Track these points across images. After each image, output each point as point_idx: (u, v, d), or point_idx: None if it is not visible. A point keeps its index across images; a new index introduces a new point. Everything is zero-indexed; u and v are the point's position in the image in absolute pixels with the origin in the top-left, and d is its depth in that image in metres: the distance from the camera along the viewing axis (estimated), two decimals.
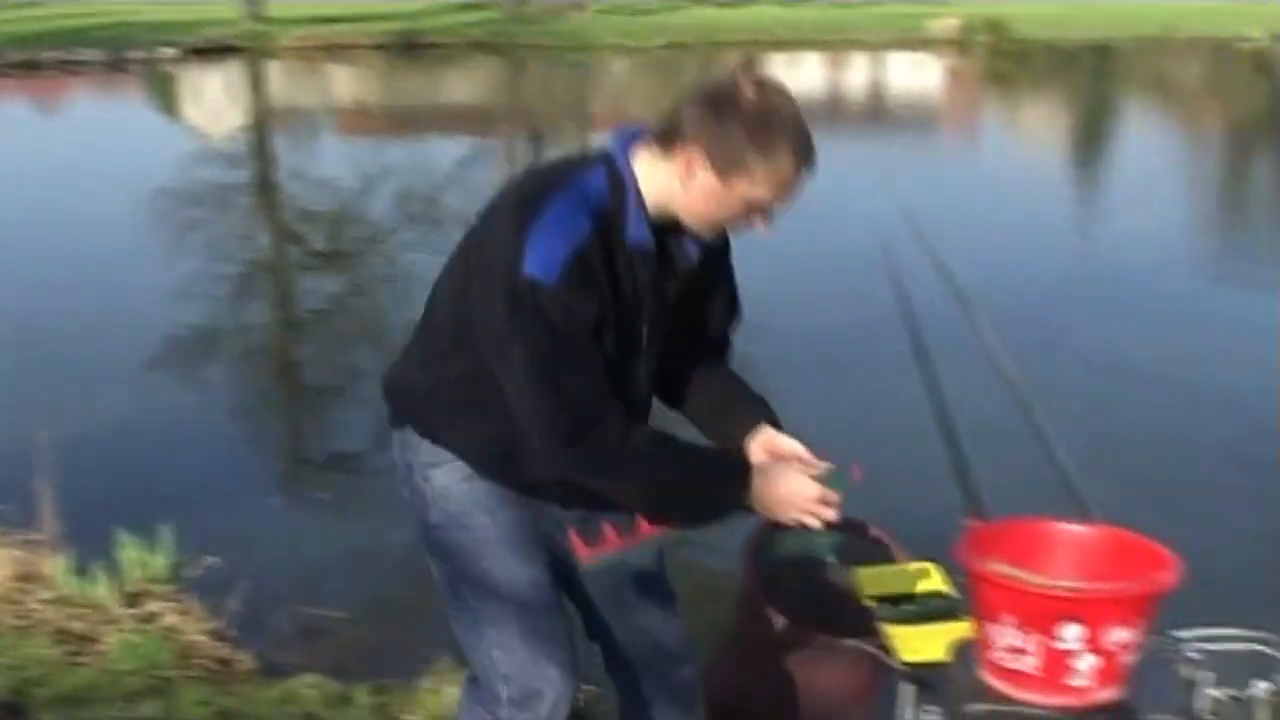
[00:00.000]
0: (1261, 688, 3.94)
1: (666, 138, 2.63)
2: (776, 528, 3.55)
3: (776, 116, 2.58)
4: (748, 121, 2.56)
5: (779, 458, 2.86)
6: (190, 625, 4.86)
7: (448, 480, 2.94)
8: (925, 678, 3.20)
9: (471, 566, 2.95)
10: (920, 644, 3.28)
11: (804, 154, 2.61)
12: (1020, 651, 2.89)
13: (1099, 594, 2.90)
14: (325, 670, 4.69)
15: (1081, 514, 3.23)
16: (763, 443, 2.92)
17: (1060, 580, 2.98)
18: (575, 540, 2.93)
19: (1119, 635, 2.86)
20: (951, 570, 3.31)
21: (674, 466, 2.71)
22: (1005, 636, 2.90)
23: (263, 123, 25.92)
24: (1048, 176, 19.37)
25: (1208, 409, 8.40)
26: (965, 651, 3.11)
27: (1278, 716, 4.04)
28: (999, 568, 2.95)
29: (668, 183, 2.64)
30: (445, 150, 20.27)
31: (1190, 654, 3.25)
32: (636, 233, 2.66)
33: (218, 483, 7.02)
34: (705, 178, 2.61)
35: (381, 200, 15.93)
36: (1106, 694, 2.92)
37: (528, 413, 2.66)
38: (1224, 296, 11.75)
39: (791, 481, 2.75)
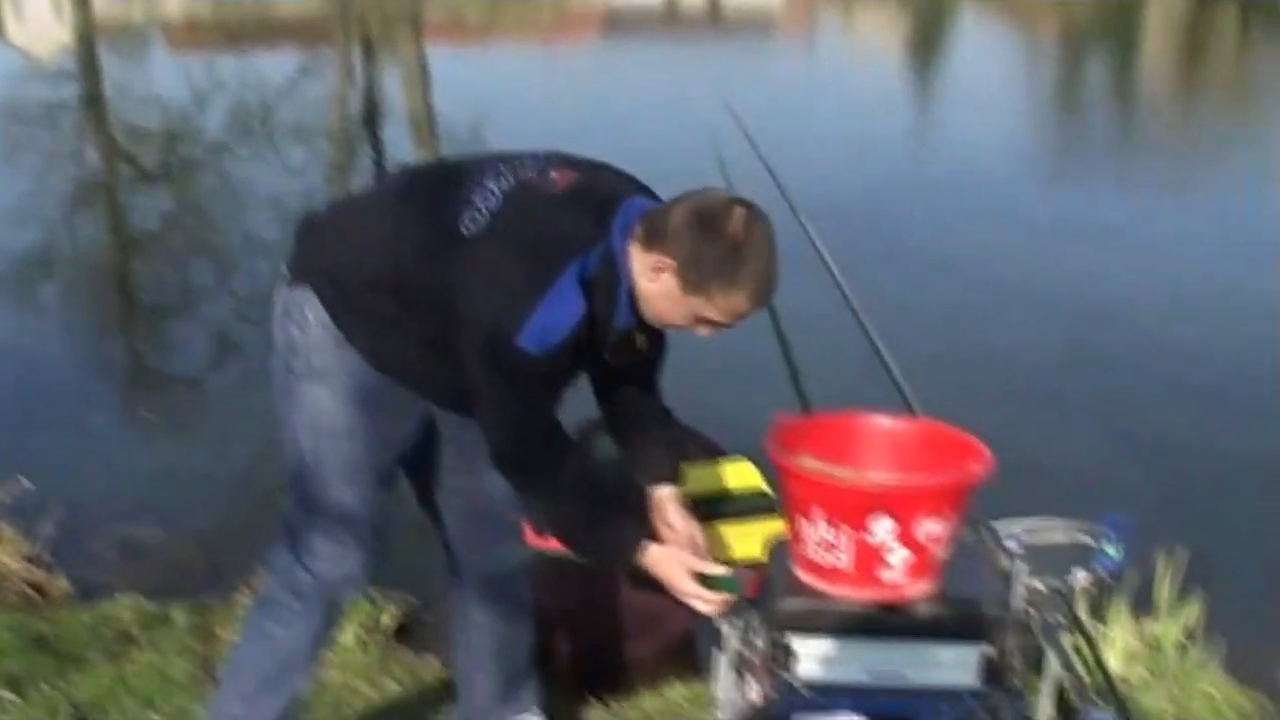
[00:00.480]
0: (1080, 577, 3.98)
1: (651, 235, 2.73)
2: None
3: (752, 255, 2.69)
4: (723, 251, 2.67)
5: (672, 533, 3.05)
6: (1, 551, 4.68)
7: (324, 337, 2.93)
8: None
9: (318, 421, 2.96)
10: (738, 543, 3.28)
11: (761, 296, 2.73)
12: (832, 547, 2.87)
13: (908, 487, 2.89)
14: (145, 591, 4.60)
15: (907, 412, 3.19)
16: (659, 508, 3.10)
17: (870, 474, 2.98)
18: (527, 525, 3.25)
19: (931, 528, 2.84)
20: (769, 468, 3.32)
21: (583, 520, 2.93)
22: (816, 532, 2.88)
23: (90, 39, 25.20)
24: (885, 84, 19.45)
25: (1042, 310, 8.46)
26: (780, 549, 3.08)
27: (1096, 606, 4.12)
28: (807, 462, 2.93)
29: (639, 272, 2.76)
30: (278, 64, 19.85)
31: (1009, 545, 3.24)
32: (623, 318, 2.81)
33: (41, 406, 6.84)
34: (669, 284, 2.73)
35: (214, 116, 15.57)
36: (920, 587, 2.92)
37: (486, 426, 2.86)
38: (1061, 198, 11.89)
39: (674, 575, 2.92)
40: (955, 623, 2.90)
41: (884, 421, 3.14)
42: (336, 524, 3.04)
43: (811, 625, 2.90)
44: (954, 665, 2.91)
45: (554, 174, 2.83)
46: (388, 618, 4.30)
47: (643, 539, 2.96)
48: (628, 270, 2.80)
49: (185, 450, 6.14)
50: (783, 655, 2.91)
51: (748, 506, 3.56)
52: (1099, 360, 7.53)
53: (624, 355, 2.95)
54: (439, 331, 2.81)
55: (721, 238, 2.68)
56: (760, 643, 2.97)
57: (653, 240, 2.75)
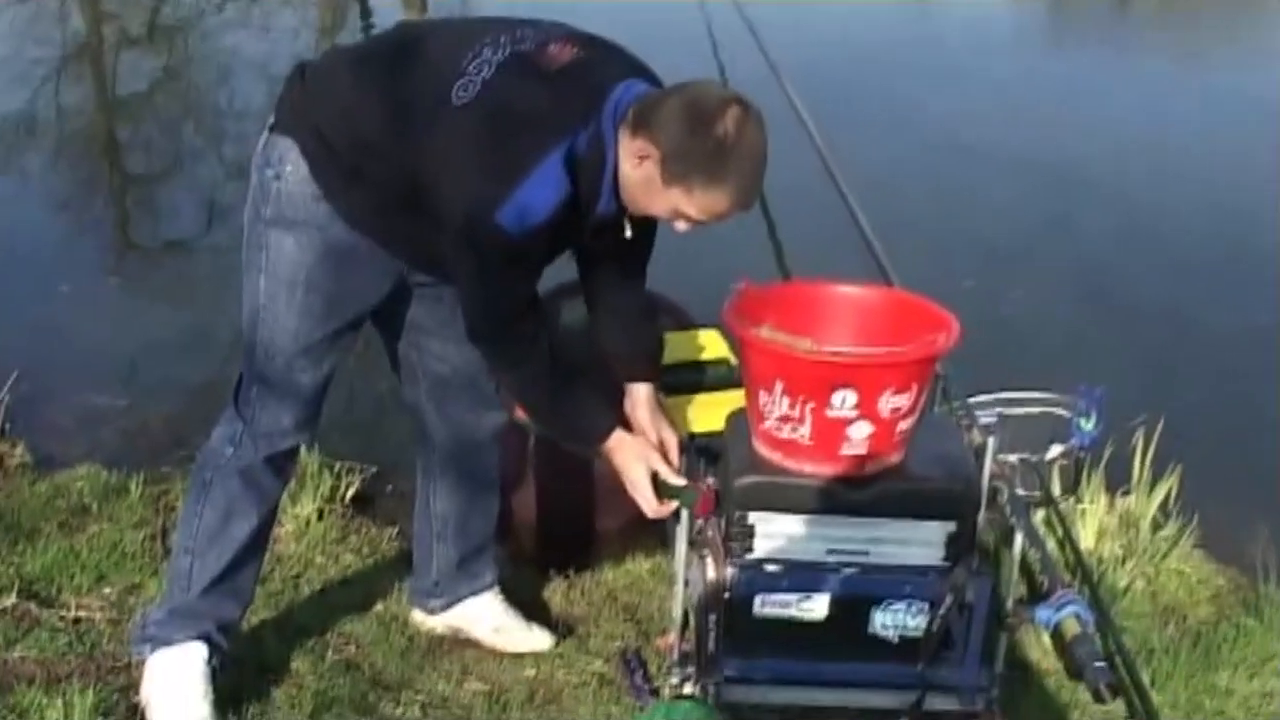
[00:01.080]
0: (1054, 451, 3.92)
1: (639, 122, 2.67)
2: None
3: (738, 155, 2.64)
4: (709, 148, 2.63)
5: (640, 433, 3.09)
6: None
7: (300, 189, 2.89)
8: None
9: (278, 269, 2.92)
10: (699, 416, 3.25)
11: (743, 200, 2.69)
12: (792, 420, 2.83)
13: (869, 358, 2.84)
14: (104, 461, 4.51)
15: (882, 280, 3.10)
16: (632, 406, 3.16)
17: (830, 345, 2.92)
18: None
19: (895, 401, 2.80)
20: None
21: (548, 400, 2.97)
22: (776, 406, 2.84)
23: None
24: None
25: (1027, 178, 8.37)
26: (738, 422, 3.04)
27: (1069, 481, 4.05)
28: (766, 333, 2.87)
29: (624, 157, 2.72)
30: None
31: (980, 419, 3.21)
32: (606, 206, 2.76)
33: (10, 273, 6.66)
34: (650, 172, 2.68)
35: None
36: (883, 462, 2.88)
37: (463, 295, 2.87)
38: (1055, 65, 11.85)
39: (632, 468, 2.98)
40: (920, 499, 2.88)
41: (848, 290, 3.09)
42: (277, 375, 3.01)
43: (771, 502, 2.88)
44: (919, 543, 2.89)
45: (553, 48, 2.77)
46: (348, 487, 4.19)
47: (610, 424, 2.98)
48: (614, 155, 2.75)
49: (157, 318, 6.01)
50: (742, 533, 2.89)
51: (712, 378, 3.52)
52: (1082, 229, 7.42)
53: (607, 240, 2.91)
54: (419, 196, 2.76)
55: (710, 134, 2.63)
56: (719, 519, 2.94)
57: (640, 127, 2.69)
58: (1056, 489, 3.99)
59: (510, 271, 2.77)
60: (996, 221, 7.60)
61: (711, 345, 3.68)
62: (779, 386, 2.81)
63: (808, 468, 2.86)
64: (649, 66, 2.86)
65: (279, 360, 3.00)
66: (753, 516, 2.88)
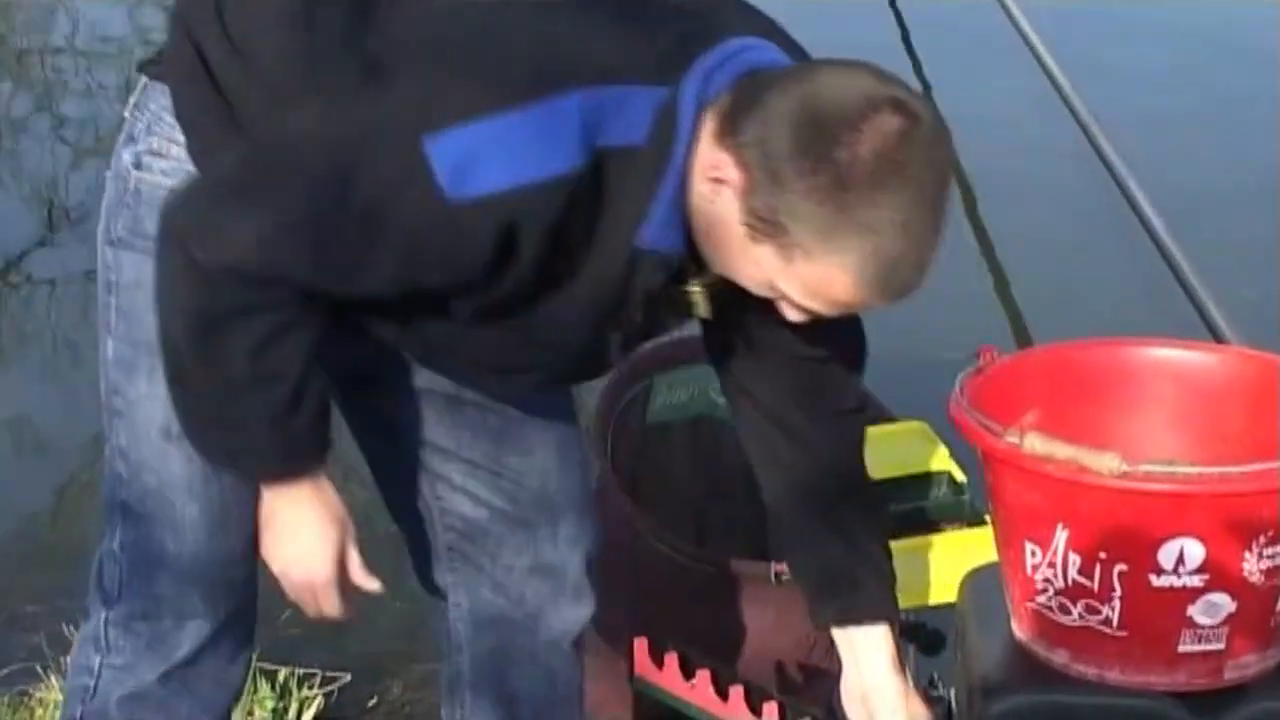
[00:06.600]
0: None
1: (734, 115, 1.83)
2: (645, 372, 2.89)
3: (880, 200, 1.78)
4: (825, 183, 1.77)
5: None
6: None
7: (164, 183, 2.09)
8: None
9: (139, 330, 2.11)
10: (903, 573, 2.36)
11: (885, 279, 1.82)
12: (1088, 594, 2.00)
13: (1229, 482, 1.98)
14: None
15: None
16: (855, 667, 2.25)
17: (1154, 461, 2.02)
18: None
19: (1273, 555, 1.96)
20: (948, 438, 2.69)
21: (234, 405, 2.01)
22: (1059, 568, 2.03)
23: None
24: None
25: None
26: (979, 590, 2.26)
27: None
28: (1032, 442, 1.99)
29: (699, 171, 1.88)
30: None
31: None
32: (657, 234, 1.90)
33: None
34: (728, 207, 1.84)
35: None
36: (1255, 663, 2.03)
37: (229, 207, 1.90)
38: None
39: (311, 544, 2.10)
40: None
41: (1167, 355, 2.29)
42: (163, 568, 2.20)
43: None
44: None
45: None
46: (303, 709, 3.18)
47: (319, 451, 2.07)
48: (686, 156, 1.86)
49: None
50: None
51: (923, 509, 2.83)
52: None
53: (665, 320, 2.10)
54: None
55: (830, 159, 1.76)
56: None
57: (729, 125, 1.83)
58: None
59: (367, 248, 1.90)
60: None
61: (919, 451, 2.92)
62: (1062, 536, 2.00)
63: (1118, 676, 2.02)
64: (785, 31, 2.05)
65: (160, 537, 2.19)
66: None
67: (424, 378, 2.23)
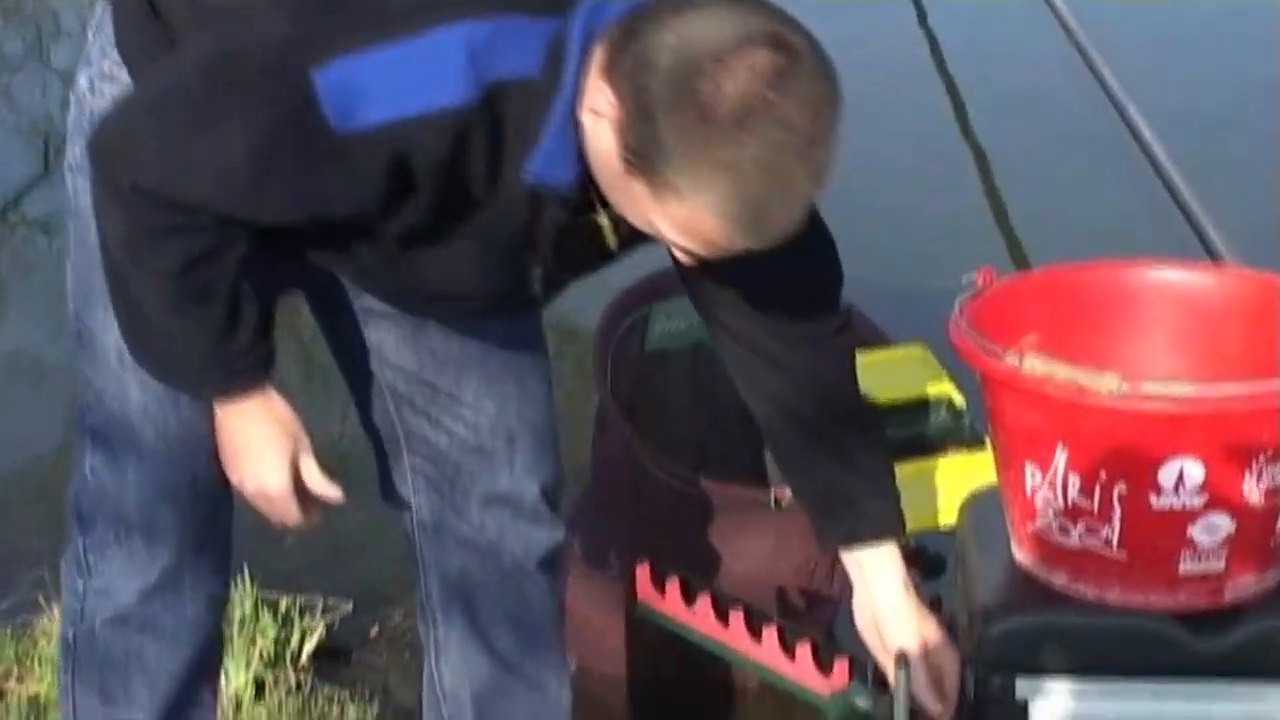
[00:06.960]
0: None
1: (619, 46, 1.80)
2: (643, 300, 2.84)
3: (742, 140, 1.72)
4: (689, 119, 1.72)
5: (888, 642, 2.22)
6: None
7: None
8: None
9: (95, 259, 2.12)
10: (905, 497, 2.30)
11: (746, 220, 1.76)
12: (1088, 515, 1.98)
13: (1229, 401, 1.98)
14: None
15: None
16: (866, 593, 2.25)
17: (1155, 379, 2.02)
18: None
19: (1275, 475, 1.95)
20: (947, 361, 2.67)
21: (177, 321, 2.01)
22: (1057, 490, 2.02)
23: None
24: None
25: None
26: (979, 513, 2.25)
27: None
28: (1031, 362, 1.99)
29: (586, 103, 1.86)
30: None
31: None
32: (545, 166, 1.87)
33: None
34: (606, 142, 1.81)
35: None
36: (1254, 584, 2.03)
37: (149, 96, 1.94)
38: None
39: (265, 454, 2.13)
40: None
41: (1167, 276, 2.29)
42: (130, 491, 2.23)
43: (1052, 660, 2.09)
44: None
45: None
46: (305, 638, 3.22)
47: (262, 363, 2.08)
48: (575, 88, 1.85)
49: None
50: (1001, 713, 2.10)
51: (924, 433, 2.81)
52: None
53: (582, 253, 2.06)
54: None
55: (696, 91, 1.72)
56: (965, 683, 2.18)
57: (617, 55, 1.80)
58: None
59: (263, 175, 1.90)
60: None
61: (918, 375, 2.90)
62: (1061, 457, 1.99)
63: (1118, 597, 2.03)
64: None
65: (120, 412, 2.22)
66: (1020, 685, 2.07)
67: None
